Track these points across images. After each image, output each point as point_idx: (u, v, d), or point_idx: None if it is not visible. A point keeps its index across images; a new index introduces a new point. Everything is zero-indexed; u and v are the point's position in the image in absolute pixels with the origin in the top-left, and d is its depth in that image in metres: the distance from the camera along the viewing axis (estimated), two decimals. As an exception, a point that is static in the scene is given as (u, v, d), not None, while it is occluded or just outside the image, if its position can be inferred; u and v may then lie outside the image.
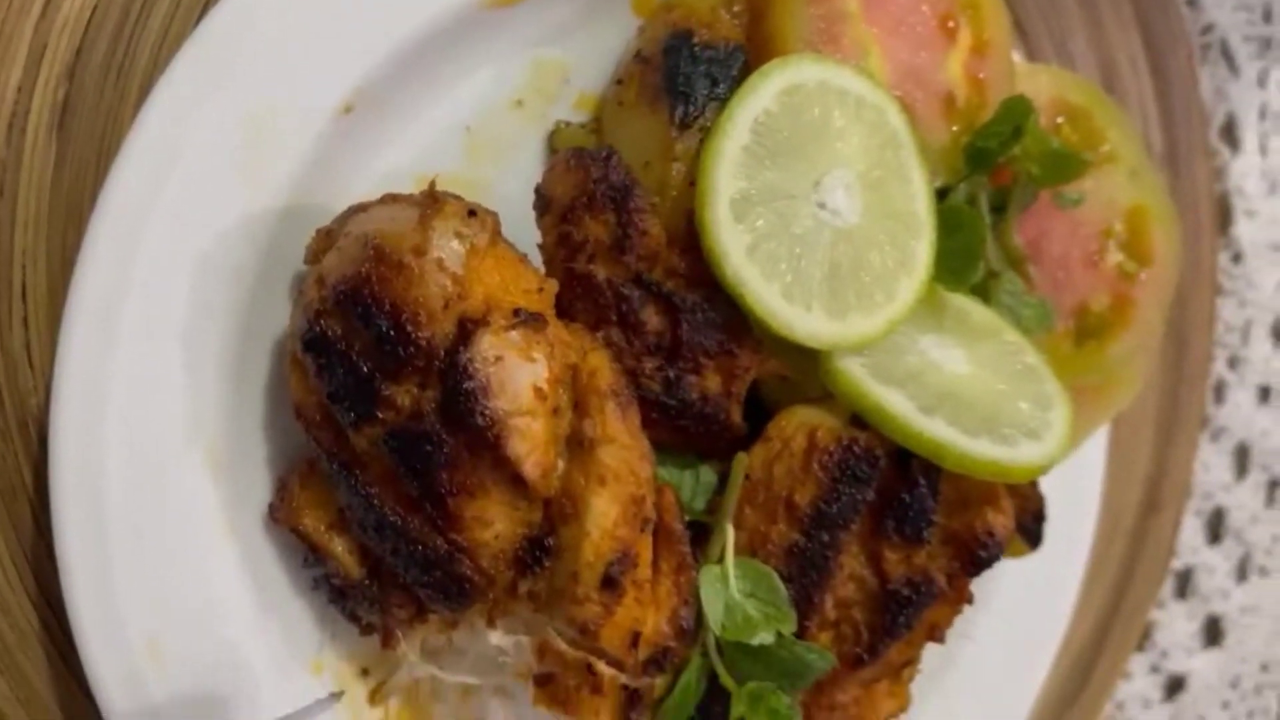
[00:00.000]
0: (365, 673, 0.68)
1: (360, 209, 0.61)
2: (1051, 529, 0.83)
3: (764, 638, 0.64)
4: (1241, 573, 1.11)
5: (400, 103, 0.66)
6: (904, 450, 0.67)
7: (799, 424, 0.68)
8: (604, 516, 0.59)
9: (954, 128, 0.75)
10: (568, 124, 0.71)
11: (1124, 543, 1.01)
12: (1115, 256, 0.80)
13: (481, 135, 0.69)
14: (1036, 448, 0.67)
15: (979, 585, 0.84)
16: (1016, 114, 0.70)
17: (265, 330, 0.64)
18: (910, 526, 0.67)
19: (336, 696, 0.66)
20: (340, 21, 0.63)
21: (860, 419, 0.68)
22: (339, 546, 0.63)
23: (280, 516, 0.63)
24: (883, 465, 0.67)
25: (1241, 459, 1.09)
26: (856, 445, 0.66)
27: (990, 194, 0.74)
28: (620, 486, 0.59)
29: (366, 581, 0.63)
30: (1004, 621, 0.87)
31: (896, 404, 0.65)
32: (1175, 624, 1.08)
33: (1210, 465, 1.07)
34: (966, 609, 0.83)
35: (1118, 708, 1.06)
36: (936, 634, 0.70)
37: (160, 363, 0.61)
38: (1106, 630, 1.01)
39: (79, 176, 0.63)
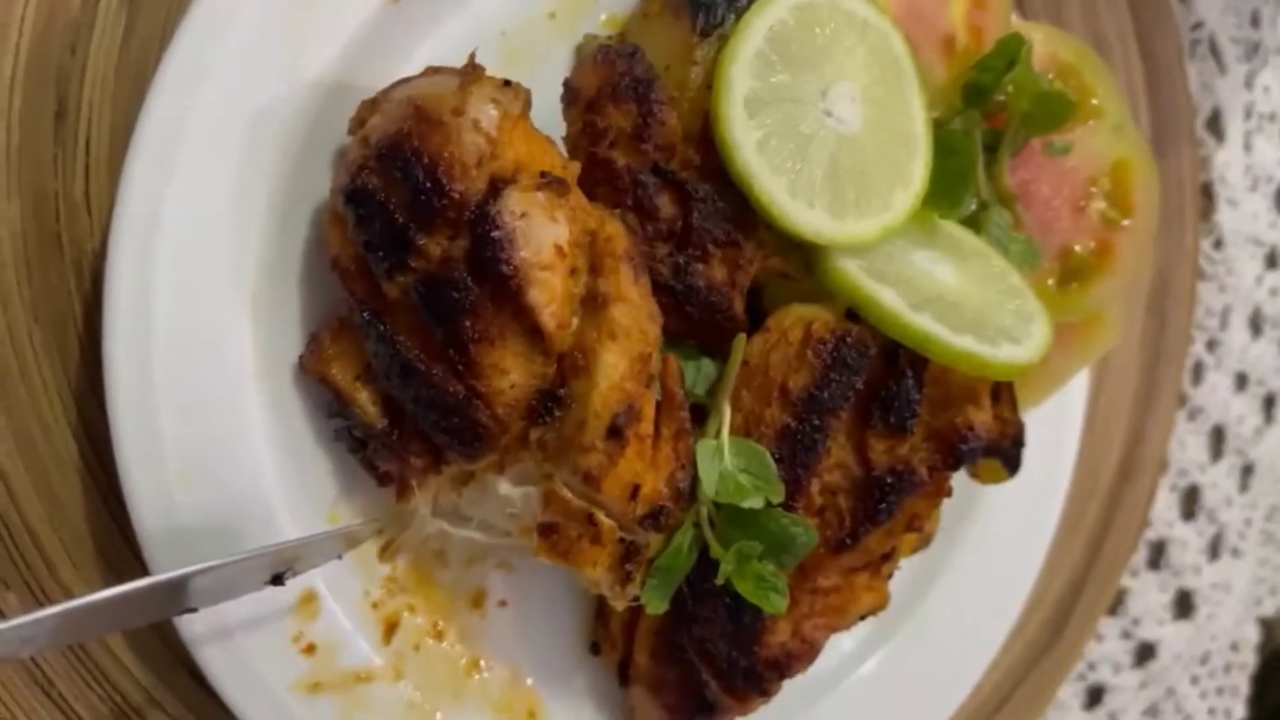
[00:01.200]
0: (377, 530, 0.72)
1: (404, 80, 0.66)
2: (1030, 471, 0.87)
3: (753, 502, 0.68)
4: (1214, 551, 1.15)
5: (444, 1, 0.71)
6: (892, 347, 0.72)
7: (796, 317, 0.73)
8: (613, 369, 0.64)
9: (952, 69, 0.81)
10: (594, 36, 0.76)
11: (1100, 504, 1.05)
12: (1099, 204, 0.85)
13: (516, 40, 0.74)
14: (1016, 349, 0.72)
15: (958, 519, 0.90)
16: (1011, 50, 0.76)
17: (308, 195, 0.69)
18: (896, 416, 0.72)
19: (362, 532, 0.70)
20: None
21: (853, 316, 0.73)
22: (363, 396, 0.67)
23: (310, 366, 0.68)
24: (873, 356, 0.71)
25: (1217, 441, 1.14)
26: (849, 336, 0.71)
27: (985, 134, 0.80)
28: (629, 343, 0.64)
29: (387, 430, 0.67)
30: (981, 556, 0.91)
31: (888, 299, 0.70)
32: (1148, 593, 1.12)
33: (1186, 443, 1.12)
34: (945, 544, 0.89)
35: (1089, 667, 1.09)
36: (916, 524, 0.74)
37: (209, 215, 0.66)
38: (1080, 587, 1.05)
39: (145, 45, 0.69)
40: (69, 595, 0.69)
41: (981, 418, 0.73)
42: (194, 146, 0.65)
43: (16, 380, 0.67)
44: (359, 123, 0.67)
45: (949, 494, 0.75)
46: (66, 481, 0.68)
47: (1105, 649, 1.10)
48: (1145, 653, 1.12)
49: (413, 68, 0.68)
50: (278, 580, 0.63)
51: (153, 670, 0.72)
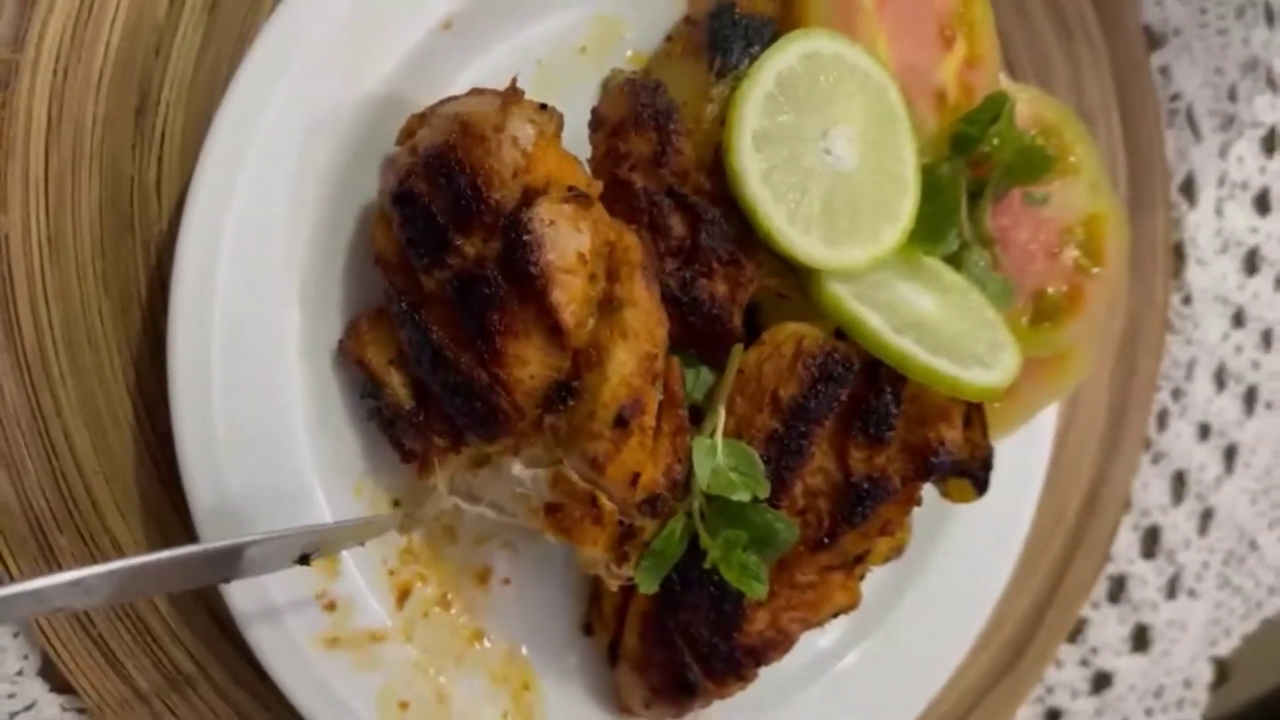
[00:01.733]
0: (396, 504, 0.79)
1: (451, 98, 0.74)
2: (999, 497, 0.94)
3: (741, 496, 0.75)
4: (1171, 590, 1.21)
5: (489, 29, 0.80)
6: (874, 365, 0.79)
7: (789, 333, 0.80)
8: (623, 365, 0.71)
9: (942, 121, 0.89)
10: (620, 70, 0.84)
11: (1064, 536, 1.12)
12: (1072, 253, 0.93)
13: (551, 69, 0.82)
14: (988, 374, 0.79)
15: (930, 538, 0.97)
16: (996, 105, 0.84)
17: (356, 196, 0.76)
18: (875, 428, 0.79)
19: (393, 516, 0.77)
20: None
21: (842, 334, 0.80)
22: (395, 379, 0.75)
23: (348, 350, 0.75)
24: (856, 372, 0.79)
25: (1179, 486, 1.21)
26: (836, 352, 0.79)
27: (969, 181, 0.87)
28: (639, 343, 0.71)
29: (414, 411, 0.74)
30: (950, 574, 0.98)
31: (873, 321, 0.78)
32: (1107, 625, 1.18)
33: (1150, 485, 1.19)
34: (917, 559, 0.95)
35: (1048, 691, 1.16)
36: (888, 529, 0.81)
37: (269, 209, 0.74)
38: (1043, 614, 1.12)
39: (219, 54, 0.77)
40: (115, 543, 0.76)
41: (953, 435, 0.80)
42: (259, 147, 0.73)
43: (84, 345, 0.74)
44: (408, 133, 0.74)
45: (919, 503, 0.82)
46: (121, 440, 0.75)
47: (1064, 675, 1.16)
48: (1102, 681, 1.18)
49: (459, 88, 0.76)
50: (304, 560, 0.70)
51: (200, 639, 0.79)
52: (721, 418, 0.78)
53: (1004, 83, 0.93)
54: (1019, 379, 0.92)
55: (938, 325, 0.80)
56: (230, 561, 0.66)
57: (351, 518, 0.76)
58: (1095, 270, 0.93)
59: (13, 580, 0.70)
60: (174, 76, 0.75)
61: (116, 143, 0.74)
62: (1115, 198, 0.95)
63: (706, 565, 0.76)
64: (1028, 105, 0.93)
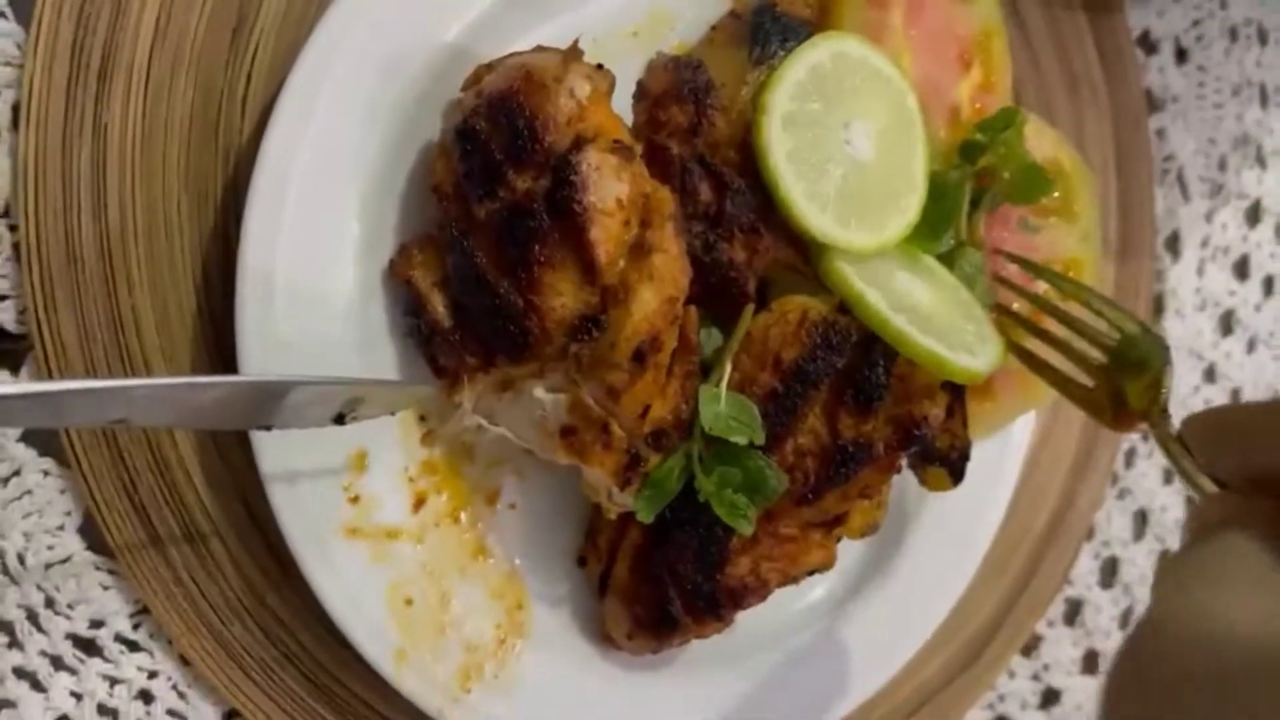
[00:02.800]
0: (423, 419, 0.86)
1: (516, 53, 0.82)
2: (970, 499, 1.02)
3: (739, 439, 0.82)
4: (1125, 621, 1.28)
5: (556, 3, 0.88)
6: (871, 340, 0.87)
7: (797, 304, 0.87)
8: (646, 305, 0.78)
9: (953, 135, 0.97)
10: (664, 53, 0.92)
11: (1027, 553, 1.19)
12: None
13: (605, 46, 0.91)
14: (972, 360, 0.86)
15: (901, 530, 1.04)
16: (1009, 117, 0.93)
17: (419, 133, 0.84)
18: (865, 398, 0.86)
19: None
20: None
21: (845, 309, 0.88)
22: (437, 299, 0.82)
23: (398, 269, 0.83)
24: (854, 344, 0.86)
25: (1141, 523, 1.28)
26: (838, 324, 0.86)
27: (973, 190, 0.96)
28: (663, 286, 0.79)
29: (451, 330, 0.82)
30: (918, 564, 1.05)
31: (872, 298, 0.85)
32: (1061, 645, 1.25)
33: (1113, 518, 1.26)
34: (887, 546, 1.02)
35: (1000, 698, 1.22)
36: (868, 492, 0.88)
37: (341, 134, 0.81)
38: (1000, 624, 1.18)
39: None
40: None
41: (935, 412, 0.87)
42: (337, 79, 0.81)
43: (161, 234, 0.82)
44: (474, 80, 0.82)
45: (899, 470, 0.89)
46: (183, 326, 0.83)
47: (1015, 685, 1.23)
48: (1051, 697, 1.24)
49: (523, 45, 0.84)
50: (340, 420, 0.77)
51: (231, 524, 0.85)
52: (728, 371, 0.85)
53: (1040, 123, 1.01)
54: (998, 386, 1.00)
55: (930, 312, 0.87)
56: (270, 402, 0.71)
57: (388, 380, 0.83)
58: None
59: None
60: (270, 5, 0.84)
61: (212, 58, 0.82)
62: (1101, 252, 1.03)
63: (700, 500, 0.83)
64: (1051, 147, 1.01)
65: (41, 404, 0.60)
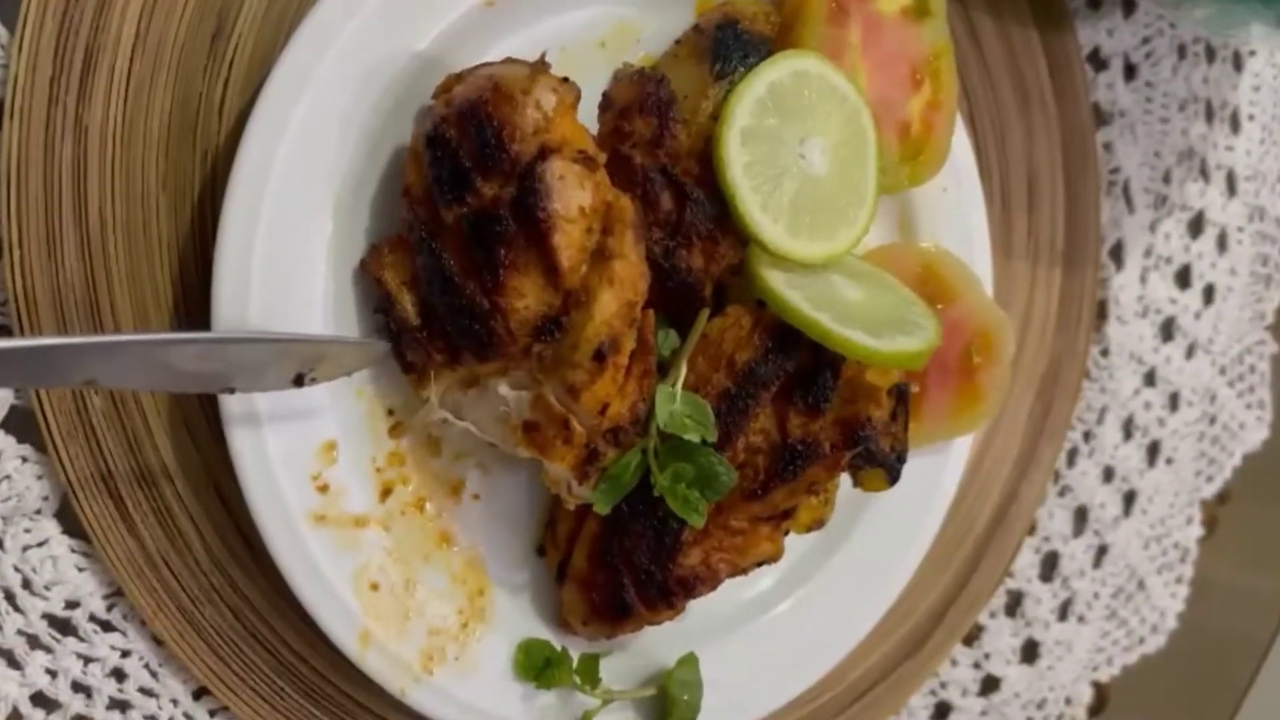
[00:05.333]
0: (391, 412, 0.90)
1: (486, 64, 0.86)
2: (914, 495, 1.07)
3: (692, 437, 0.86)
4: (1063, 613, 1.33)
5: (526, 12, 0.91)
6: (820, 345, 0.91)
7: (750, 309, 0.92)
8: (606, 308, 0.82)
9: (903, 151, 1.01)
10: (630, 65, 0.96)
11: (971, 546, 1.23)
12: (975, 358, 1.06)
13: (572, 55, 0.94)
14: (907, 340, 0.90)
15: (848, 524, 1.08)
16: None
17: (391, 138, 0.87)
18: (813, 399, 0.91)
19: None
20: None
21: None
22: (406, 298, 0.85)
23: (369, 268, 0.86)
24: (803, 348, 0.90)
25: (1080, 520, 1.33)
26: (789, 330, 0.90)
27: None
28: (622, 290, 0.83)
29: (419, 328, 0.85)
30: (861, 559, 1.09)
31: (794, 298, 0.87)
32: (1001, 635, 1.30)
33: (1054, 514, 1.31)
34: (833, 539, 1.07)
35: (941, 685, 1.27)
36: (815, 489, 0.93)
37: (317, 138, 0.84)
38: (943, 614, 1.23)
39: (288, 3, 0.88)
40: (141, 409, 0.86)
41: (879, 414, 0.92)
42: (315, 86, 0.83)
43: (140, 232, 0.85)
44: (445, 89, 0.85)
45: (843, 469, 0.93)
46: (161, 321, 0.85)
47: (957, 673, 1.28)
48: (990, 684, 1.29)
49: (493, 57, 0.88)
50: (299, 381, 0.80)
51: (205, 513, 0.89)
52: (683, 372, 0.90)
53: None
54: (929, 415, 1.05)
55: (857, 307, 0.91)
56: (232, 360, 0.75)
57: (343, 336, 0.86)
58: (987, 366, 1.06)
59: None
60: (249, 12, 0.87)
61: (191, 61, 0.85)
62: (1003, 321, 1.08)
63: (655, 494, 0.87)
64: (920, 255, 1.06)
65: (9, 361, 0.63)
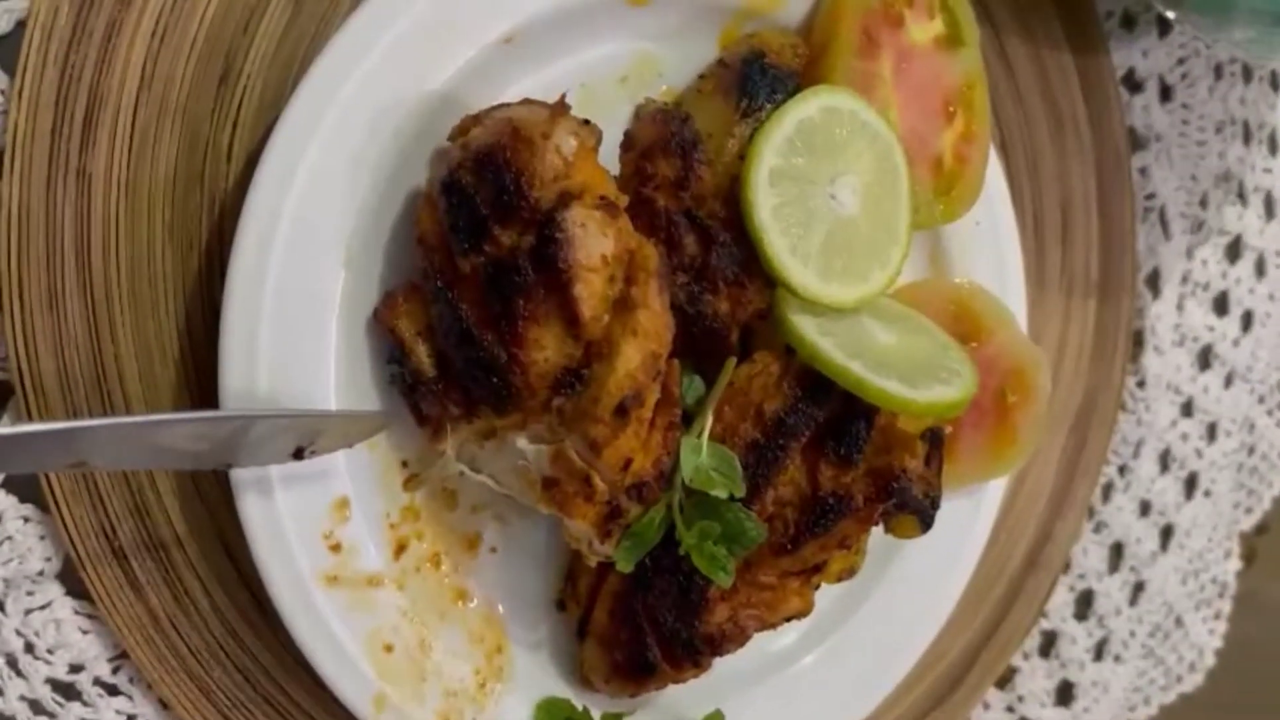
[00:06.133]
0: (405, 465, 0.87)
1: (503, 105, 0.82)
2: (946, 539, 1.03)
3: (719, 492, 0.83)
4: (1098, 653, 1.30)
5: (545, 48, 0.88)
6: (852, 394, 0.88)
7: (779, 356, 0.88)
8: (629, 360, 0.79)
9: (937, 185, 0.98)
10: (653, 100, 0.93)
11: (1004, 587, 1.20)
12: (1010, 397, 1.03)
13: (593, 92, 0.91)
14: (945, 389, 0.86)
15: (879, 568, 1.04)
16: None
17: (406, 182, 0.84)
18: (845, 450, 0.87)
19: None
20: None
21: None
22: (421, 349, 0.82)
23: (382, 318, 0.83)
24: (835, 397, 0.87)
25: (1116, 556, 1.29)
26: (820, 377, 0.87)
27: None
28: (646, 342, 0.79)
29: (435, 380, 0.82)
30: (894, 604, 1.06)
31: (826, 346, 0.84)
32: (1035, 676, 1.26)
33: (1089, 551, 1.27)
34: (865, 584, 1.03)
35: (974, 730, 1.23)
36: (846, 543, 0.89)
37: (328, 183, 0.81)
38: (975, 657, 1.19)
39: (300, 37, 0.85)
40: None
41: (914, 465, 0.88)
42: (328, 126, 0.80)
43: (145, 282, 0.82)
44: (461, 131, 0.82)
45: (877, 523, 0.89)
46: (165, 373, 0.83)
47: (990, 718, 1.24)
48: (1025, 729, 1.26)
49: (509, 98, 0.84)
50: (299, 454, 0.77)
51: (213, 572, 0.86)
52: (709, 422, 0.86)
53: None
54: (962, 457, 1.01)
55: (892, 352, 0.87)
56: (228, 439, 0.72)
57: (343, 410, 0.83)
58: (1023, 404, 1.03)
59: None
60: (257, 53, 0.83)
61: (198, 105, 0.82)
62: (1041, 357, 1.04)
63: (680, 553, 0.83)
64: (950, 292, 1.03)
65: None
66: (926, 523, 0.92)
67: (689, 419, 0.87)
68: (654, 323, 0.80)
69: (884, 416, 0.89)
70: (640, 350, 0.79)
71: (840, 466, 0.87)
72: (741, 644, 0.90)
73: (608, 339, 0.79)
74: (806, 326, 0.86)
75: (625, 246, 0.80)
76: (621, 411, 0.79)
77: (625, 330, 0.79)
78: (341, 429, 0.80)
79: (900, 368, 0.86)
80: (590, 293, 0.78)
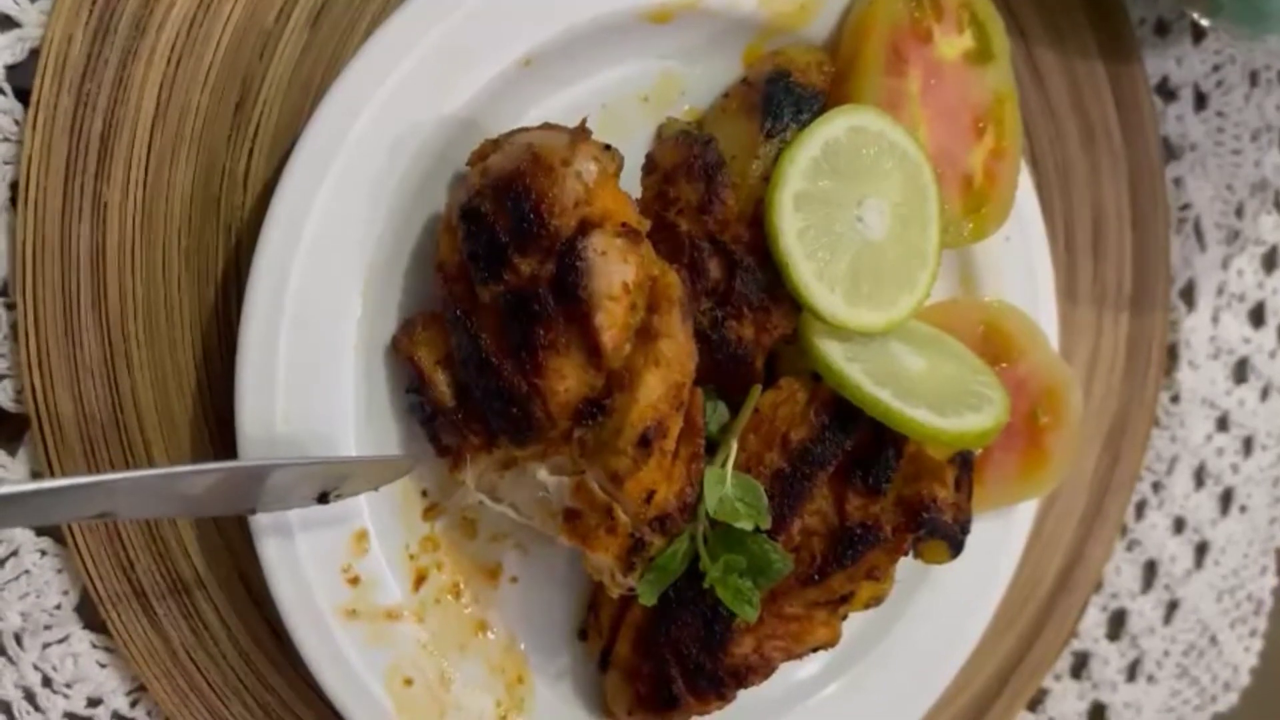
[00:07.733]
0: (424, 494, 0.85)
1: (523, 129, 0.81)
2: (977, 562, 1.01)
3: (744, 525, 0.81)
4: (1132, 673, 1.27)
5: (564, 70, 0.86)
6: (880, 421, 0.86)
7: (805, 382, 0.86)
8: (652, 391, 0.77)
9: (966, 204, 0.95)
10: (676, 121, 0.91)
11: (1035, 607, 1.18)
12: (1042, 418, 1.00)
13: (614, 112, 0.89)
14: (976, 417, 0.84)
15: (908, 592, 1.02)
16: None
17: (425, 208, 0.83)
18: (873, 479, 0.85)
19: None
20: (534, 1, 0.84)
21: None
22: (440, 378, 0.81)
23: (401, 346, 0.82)
24: (862, 425, 0.85)
25: (1149, 574, 1.27)
26: (846, 405, 0.85)
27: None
28: (669, 372, 0.78)
29: (454, 410, 0.80)
30: (922, 631, 1.04)
31: (854, 374, 0.82)
32: (1066, 698, 1.24)
33: (1121, 570, 1.25)
34: (893, 609, 1.01)
35: (1004, 754, 1.21)
36: (874, 574, 0.87)
37: (346, 210, 0.80)
38: (1007, 678, 1.17)
39: (316, 63, 0.83)
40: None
41: (944, 494, 0.86)
42: (345, 152, 0.79)
43: (161, 312, 0.81)
44: (480, 156, 0.81)
45: (906, 553, 0.87)
46: (183, 405, 0.82)
47: (1021, 740, 1.22)
48: (1056, 751, 1.24)
49: (529, 121, 0.83)
50: (324, 499, 0.76)
51: (230, 603, 0.85)
52: (734, 451, 0.84)
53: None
54: (993, 480, 0.99)
55: (922, 379, 0.85)
56: (253, 486, 0.71)
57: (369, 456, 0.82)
58: (1055, 428, 1.00)
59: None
60: (273, 79, 0.82)
61: (214, 132, 0.81)
62: (1073, 376, 1.02)
63: (705, 585, 0.82)
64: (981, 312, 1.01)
65: (16, 506, 0.59)
66: (956, 548, 0.90)
67: (713, 447, 0.85)
68: (677, 352, 0.78)
69: (913, 444, 0.87)
70: (663, 380, 0.78)
71: (868, 496, 0.85)
72: (767, 676, 0.88)
73: (630, 369, 0.78)
74: (833, 352, 0.84)
75: (647, 274, 0.79)
76: (644, 443, 0.77)
77: (647, 360, 0.77)
78: (366, 473, 0.79)
79: (930, 395, 0.84)
80: (611, 322, 0.76)
